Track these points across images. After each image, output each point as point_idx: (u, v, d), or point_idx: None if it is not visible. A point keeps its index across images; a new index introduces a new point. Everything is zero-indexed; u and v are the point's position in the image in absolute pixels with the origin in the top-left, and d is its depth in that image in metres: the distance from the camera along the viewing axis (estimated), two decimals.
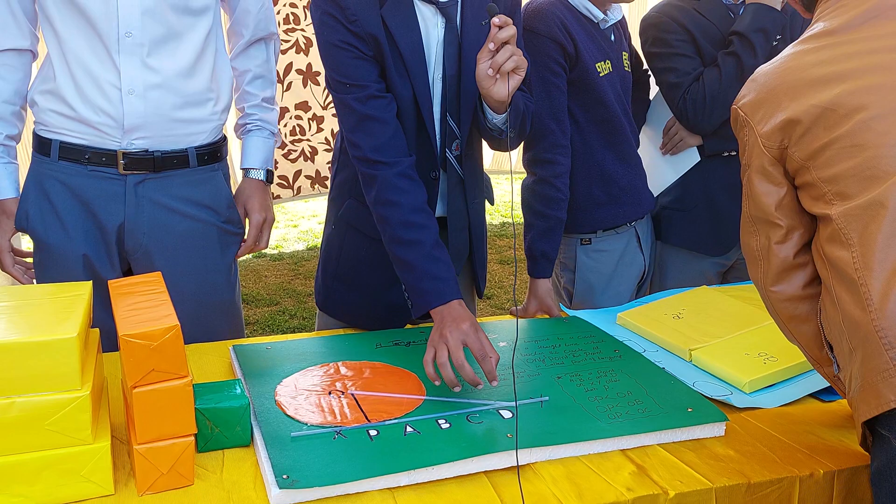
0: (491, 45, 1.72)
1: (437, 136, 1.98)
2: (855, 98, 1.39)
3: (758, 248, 1.55)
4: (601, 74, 2.30)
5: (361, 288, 2.10)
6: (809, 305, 1.51)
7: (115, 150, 2.03)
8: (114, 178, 2.05)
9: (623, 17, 2.42)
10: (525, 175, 2.37)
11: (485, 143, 2.10)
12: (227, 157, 2.27)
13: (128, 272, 2.15)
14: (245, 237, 2.30)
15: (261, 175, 2.34)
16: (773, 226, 1.51)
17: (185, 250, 2.13)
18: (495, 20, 1.69)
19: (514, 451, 1.47)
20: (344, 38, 1.83)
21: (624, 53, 2.42)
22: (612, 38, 2.38)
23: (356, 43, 1.84)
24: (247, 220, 2.32)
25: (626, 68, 2.43)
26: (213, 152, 2.17)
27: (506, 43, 1.71)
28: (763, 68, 1.54)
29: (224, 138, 2.23)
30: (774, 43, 2.42)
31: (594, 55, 2.29)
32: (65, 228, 2.06)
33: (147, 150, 2.05)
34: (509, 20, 1.71)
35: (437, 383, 1.67)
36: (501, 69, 1.73)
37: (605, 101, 2.32)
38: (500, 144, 1.99)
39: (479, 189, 2.14)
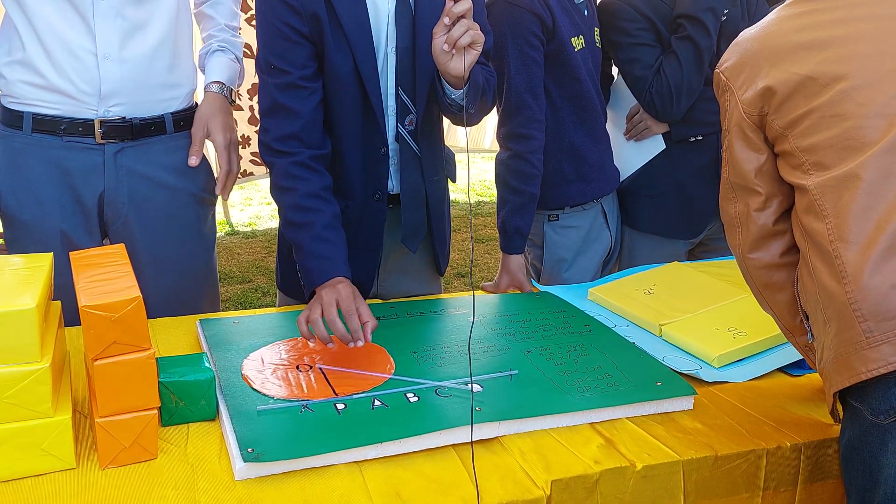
0: (446, 20, 1.69)
1: (391, 111, 1.95)
2: (835, 67, 1.38)
3: (736, 214, 1.54)
4: (576, 50, 2.28)
5: None
6: (786, 273, 1.51)
7: (92, 119, 2.00)
8: (92, 147, 2.03)
9: None
10: (498, 151, 2.36)
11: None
12: None
13: (103, 244, 2.13)
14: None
15: (225, 91, 2.20)
16: (753, 192, 1.50)
17: (165, 219, 2.13)
18: None
19: (481, 424, 1.47)
20: (280, 16, 1.82)
21: (595, 29, 2.41)
22: (586, 13, 2.36)
23: (291, 21, 1.82)
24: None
25: (597, 44, 2.41)
26: (189, 118, 2.16)
27: (461, 17, 1.68)
28: (746, 32, 1.52)
29: (196, 105, 2.22)
30: (723, 18, 2.40)
31: (569, 30, 2.27)
32: (40, 204, 2.03)
33: (124, 118, 2.03)
34: None
35: (311, 342, 1.69)
36: (457, 44, 1.69)
37: (579, 76, 2.31)
38: (462, 120, 1.96)
39: (439, 166, 2.11)
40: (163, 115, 2.09)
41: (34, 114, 2.00)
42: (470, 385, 1.61)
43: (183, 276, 2.16)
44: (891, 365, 1.28)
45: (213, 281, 2.31)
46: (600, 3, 2.49)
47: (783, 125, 1.43)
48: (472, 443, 1.42)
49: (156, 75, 2.05)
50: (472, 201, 7.24)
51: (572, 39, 2.28)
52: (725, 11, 2.39)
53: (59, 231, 2.04)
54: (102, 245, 2.12)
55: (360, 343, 1.65)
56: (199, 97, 2.24)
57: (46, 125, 2.00)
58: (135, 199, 2.08)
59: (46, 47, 1.95)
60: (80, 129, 2.01)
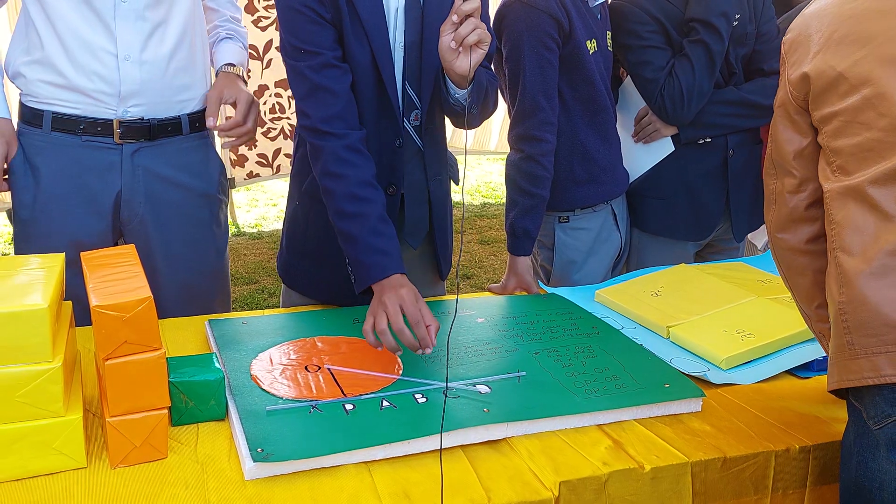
0: (454, 18, 1.69)
1: (398, 105, 1.95)
2: (866, 68, 1.31)
3: (773, 190, 1.51)
4: (590, 53, 2.29)
5: (328, 262, 2.06)
6: (808, 260, 1.48)
7: (111, 119, 2.03)
8: (110, 147, 2.05)
9: None
10: (508, 152, 2.36)
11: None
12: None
13: (116, 244, 2.16)
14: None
15: (239, 72, 2.25)
16: (789, 174, 1.46)
17: (179, 218, 2.16)
18: None
19: (489, 426, 1.47)
20: (302, 0, 1.81)
21: (608, 33, 2.41)
22: (599, 17, 2.36)
23: (314, 5, 1.82)
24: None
25: (609, 48, 2.42)
26: (203, 119, 2.19)
27: (469, 16, 1.68)
28: (814, 4, 1.44)
29: None
30: (735, 23, 2.41)
31: (583, 33, 2.28)
32: (53, 203, 2.05)
33: (142, 119, 2.06)
34: None
35: (379, 349, 1.67)
36: (464, 42, 1.70)
37: (593, 79, 2.31)
38: (464, 120, 1.95)
39: (443, 165, 2.11)
40: (179, 116, 2.12)
41: (54, 113, 2.03)
42: (445, 387, 1.61)
43: (196, 274, 2.19)
44: (864, 380, 1.30)
45: (225, 280, 2.33)
46: (610, 6, 2.50)
47: (818, 119, 1.38)
48: (440, 450, 1.43)
49: (173, 77, 2.08)
50: (477, 203, 7.24)
51: (586, 43, 2.28)
52: (737, 16, 2.39)
53: (69, 232, 2.05)
54: (113, 245, 2.13)
55: (429, 350, 1.64)
56: None
57: (66, 124, 2.03)
58: (151, 199, 2.11)
59: (67, 47, 1.98)
60: (99, 128, 2.03)
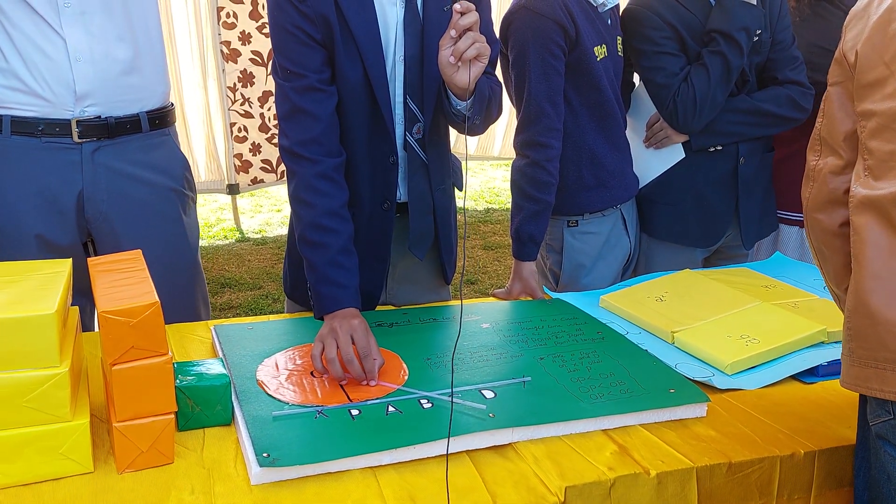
0: (452, 33, 1.69)
1: (399, 119, 1.96)
2: None
3: (813, 167, 1.44)
4: (598, 59, 2.29)
5: None
6: (841, 243, 1.42)
7: (69, 120, 2.06)
8: (69, 147, 2.08)
9: (618, 2, 2.41)
10: (514, 158, 2.36)
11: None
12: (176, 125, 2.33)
13: (86, 243, 2.19)
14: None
15: None
16: (835, 154, 1.40)
17: (146, 215, 2.18)
18: (456, 6, 1.67)
19: (494, 431, 1.48)
20: (293, 20, 1.83)
21: (618, 38, 2.42)
22: (609, 22, 2.37)
23: (305, 26, 1.83)
24: None
25: (619, 53, 2.42)
26: (164, 116, 2.23)
27: (468, 30, 1.68)
28: None
29: (172, 105, 2.29)
30: (755, 39, 2.41)
31: (592, 39, 2.28)
32: (15, 205, 2.07)
33: (100, 117, 2.09)
34: (471, 6, 1.68)
35: (324, 376, 1.68)
36: (463, 57, 1.70)
37: (600, 85, 2.32)
38: (468, 129, 1.97)
39: (446, 174, 2.11)
40: (138, 113, 2.15)
41: (13, 116, 2.05)
42: (450, 397, 1.61)
43: (170, 271, 2.19)
44: (857, 388, 1.32)
45: (201, 278, 2.36)
46: (625, 10, 2.50)
47: (860, 111, 1.32)
48: (447, 455, 1.42)
49: (128, 75, 2.11)
50: (481, 208, 7.25)
51: (594, 48, 2.28)
52: (758, 32, 2.39)
53: (36, 233, 2.08)
54: (82, 245, 2.17)
55: (373, 383, 1.65)
56: (174, 97, 2.30)
57: (24, 127, 2.05)
58: (114, 196, 2.13)
59: (22, 54, 2.01)
60: (58, 129, 2.06)
